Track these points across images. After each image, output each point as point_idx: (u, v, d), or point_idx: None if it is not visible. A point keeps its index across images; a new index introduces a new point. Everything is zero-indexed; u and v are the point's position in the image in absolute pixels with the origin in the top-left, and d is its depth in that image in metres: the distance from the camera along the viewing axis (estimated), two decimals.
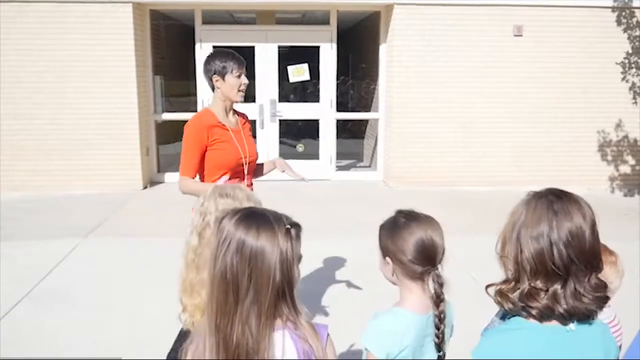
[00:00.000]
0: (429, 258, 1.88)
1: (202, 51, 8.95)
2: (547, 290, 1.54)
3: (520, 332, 1.57)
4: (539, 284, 1.55)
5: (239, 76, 3.38)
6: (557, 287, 1.54)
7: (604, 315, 2.10)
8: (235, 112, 3.59)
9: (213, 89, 3.44)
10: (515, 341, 1.57)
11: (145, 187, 8.62)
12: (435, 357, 1.91)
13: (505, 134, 8.68)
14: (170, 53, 11.13)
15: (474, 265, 5.01)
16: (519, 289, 1.58)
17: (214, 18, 9.76)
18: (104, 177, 8.34)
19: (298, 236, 1.50)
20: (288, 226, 1.47)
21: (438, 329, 1.86)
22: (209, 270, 1.48)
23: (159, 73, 9.37)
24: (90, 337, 3.99)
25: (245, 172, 3.48)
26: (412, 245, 1.87)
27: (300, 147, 9.92)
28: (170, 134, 10.61)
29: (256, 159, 3.61)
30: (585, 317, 1.55)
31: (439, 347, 1.88)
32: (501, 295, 1.61)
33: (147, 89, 8.88)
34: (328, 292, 4.66)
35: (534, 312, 1.55)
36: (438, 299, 1.86)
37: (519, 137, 8.70)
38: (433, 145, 8.64)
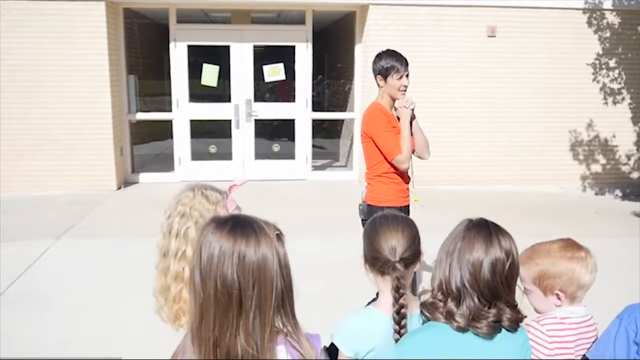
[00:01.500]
0: (390, 253, 1.89)
1: (177, 50, 8.89)
2: (445, 305, 1.73)
3: (428, 331, 1.76)
4: (440, 297, 1.75)
5: (400, 78, 3.69)
6: (452, 305, 1.72)
7: (579, 314, 2.13)
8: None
9: (378, 85, 3.80)
10: (424, 339, 1.75)
11: (119, 188, 8.53)
12: None
13: (478, 133, 8.77)
14: (144, 52, 11.03)
15: None
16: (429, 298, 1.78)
17: (188, 17, 9.69)
18: (77, 177, 8.23)
19: (283, 240, 1.48)
20: (278, 232, 1.45)
21: (399, 325, 1.85)
22: (198, 286, 1.40)
23: (133, 72, 9.27)
24: (64, 338, 3.94)
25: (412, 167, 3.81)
26: (373, 242, 1.92)
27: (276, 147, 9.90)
28: (144, 133, 10.54)
29: (414, 149, 3.82)
30: (485, 335, 1.70)
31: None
32: (422, 304, 1.81)
33: (121, 88, 8.79)
34: (304, 292, 4.66)
35: (440, 321, 1.74)
36: (397, 295, 1.86)
37: (492, 137, 8.80)
38: None
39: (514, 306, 1.73)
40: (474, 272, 1.68)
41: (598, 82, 8.84)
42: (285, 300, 1.43)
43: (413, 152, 3.79)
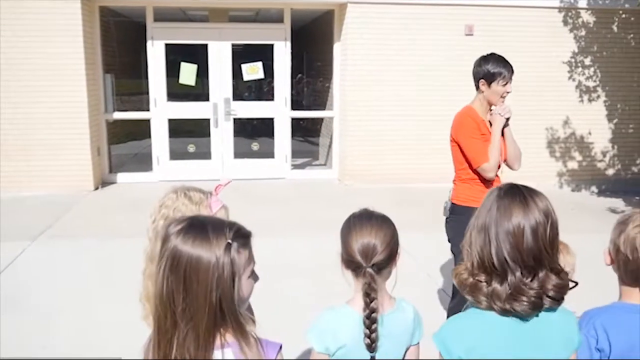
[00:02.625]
0: (361, 256, 1.88)
1: (154, 49, 8.81)
2: (489, 285, 1.61)
3: (470, 321, 1.66)
4: (482, 277, 1.62)
5: (505, 85, 3.56)
6: (497, 284, 1.59)
7: None
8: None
9: (477, 87, 3.66)
10: (466, 328, 1.65)
11: (96, 188, 8.44)
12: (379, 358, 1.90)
13: None
14: (121, 51, 10.91)
15: (427, 262, 5.07)
16: (470, 279, 1.65)
17: (165, 15, 9.61)
18: (54, 178, 8.12)
19: (245, 246, 1.42)
20: (229, 241, 1.37)
21: (369, 330, 1.84)
22: (154, 283, 1.40)
23: (109, 71, 9.17)
24: (40, 341, 3.89)
25: (501, 167, 3.70)
26: (346, 243, 1.91)
27: (256, 147, 9.85)
28: (122, 133, 10.44)
29: (505, 159, 3.73)
30: (524, 315, 1.59)
31: (369, 347, 1.86)
32: (461, 285, 1.68)
33: (98, 87, 8.69)
34: (284, 290, 4.66)
35: (482, 305, 1.62)
36: (368, 300, 1.84)
37: None
38: (387, 143, 8.72)
39: (558, 272, 1.62)
40: (515, 242, 1.57)
41: (574, 80, 8.95)
42: (226, 314, 1.36)
43: (504, 160, 3.72)
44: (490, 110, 3.67)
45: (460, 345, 1.62)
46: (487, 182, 3.64)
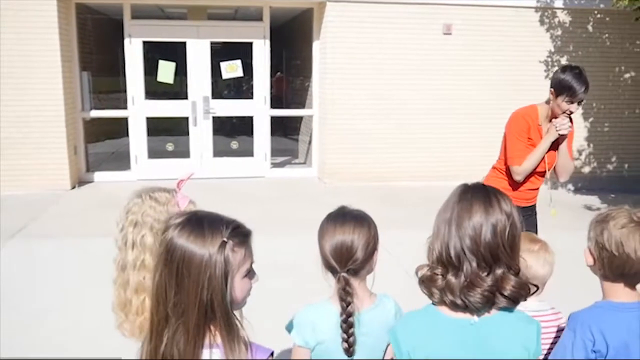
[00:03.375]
0: (335, 260, 1.88)
1: (132, 47, 8.73)
2: (445, 277, 1.61)
3: (421, 318, 1.66)
4: (439, 270, 1.63)
5: (570, 103, 3.41)
6: (452, 276, 1.59)
7: (531, 308, 2.16)
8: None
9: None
10: (415, 326, 1.65)
11: (73, 187, 8.34)
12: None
13: (437, 130, 8.88)
14: (98, 48, 10.79)
15: (407, 260, 5.09)
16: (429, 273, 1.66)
17: (143, 13, 9.52)
18: (30, 177, 8.00)
19: (242, 244, 1.40)
20: (224, 239, 1.36)
21: (345, 333, 1.84)
22: (152, 276, 1.42)
23: (86, 69, 9.06)
24: (17, 341, 3.84)
25: (544, 176, 3.75)
26: (321, 246, 1.91)
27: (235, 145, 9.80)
28: (99, 131, 10.32)
29: (552, 167, 3.72)
30: (476, 309, 1.58)
31: (347, 352, 1.85)
32: (419, 280, 1.69)
33: (74, 85, 8.58)
34: (262, 289, 4.64)
35: (435, 298, 1.62)
36: (344, 304, 1.84)
37: (451, 134, 8.92)
38: (367, 141, 8.74)
39: (516, 272, 1.61)
40: (475, 236, 1.57)
41: (550, 79, 9.03)
42: (216, 313, 1.34)
43: (553, 169, 3.72)
44: (552, 120, 3.58)
45: (408, 342, 1.62)
46: (514, 182, 3.69)
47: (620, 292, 1.93)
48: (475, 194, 1.64)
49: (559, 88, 3.44)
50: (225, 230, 1.37)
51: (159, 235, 1.85)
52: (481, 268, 1.57)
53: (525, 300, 1.64)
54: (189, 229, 1.36)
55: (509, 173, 3.70)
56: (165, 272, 1.35)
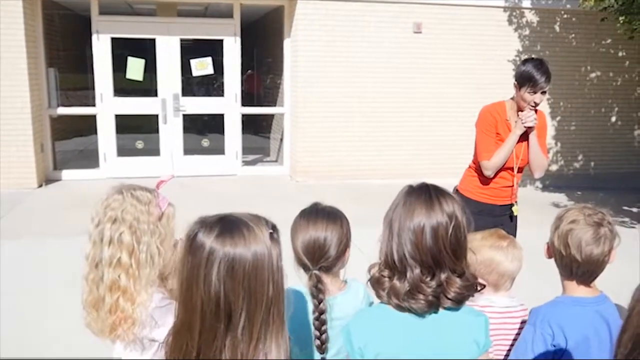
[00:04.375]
0: (307, 257, 1.88)
1: (100, 43, 8.60)
2: (391, 280, 1.60)
3: (371, 316, 1.66)
4: (386, 273, 1.62)
5: (533, 93, 3.43)
6: (396, 280, 1.58)
7: (500, 304, 2.19)
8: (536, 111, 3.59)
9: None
10: (366, 323, 1.64)
11: (40, 186, 8.18)
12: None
13: (408, 128, 8.93)
14: (65, 44, 10.60)
15: (377, 257, 5.11)
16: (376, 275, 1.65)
17: (111, 8, 9.37)
18: None
19: (276, 233, 1.36)
20: (271, 230, 1.32)
21: (318, 330, 1.83)
22: (183, 296, 1.29)
23: (53, 65, 8.90)
24: None
25: (515, 172, 3.67)
26: (293, 243, 1.91)
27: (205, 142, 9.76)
28: (67, 129, 10.15)
29: (527, 162, 3.66)
30: (421, 314, 1.58)
31: (319, 349, 1.85)
32: (368, 280, 1.68)
33: (40, 82, 8.42)
34: None
35: (382, 299, 1.62)
36: (316, 302, 1.83)
37: (420, 131, 8.98)
38: (338, 139, 8.76)
39: (462, 274, 1.59)
40: (415, 241, 1.55)
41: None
42: (273, 305, 1.29)
43: (526, 165, 3.69)
44: (518, 113, 3.60)
45: (360, 339, 1.61)
46: (485, 178, 3.68)
47: (575, 289, 1.96)
48: (418, 196, 1.60)
49: (521, 80, 3.49)
50: (264, 222, 1.34)
51: (137, 234, 1.82)
52: (424, 274, 1.55)
53: (473, 296, 1.64)
54: (238, 234, 1.28)
55: (480, 170, 3.72)
56: (229, 284, 1.25)
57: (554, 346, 1.87)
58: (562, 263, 1.96)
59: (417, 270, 1.55)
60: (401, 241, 1.57)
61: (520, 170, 3.72)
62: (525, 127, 3.53)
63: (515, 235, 3.52)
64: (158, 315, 1.83)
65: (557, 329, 1.88)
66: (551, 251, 2.02)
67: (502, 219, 3.73)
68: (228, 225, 1.29)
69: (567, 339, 1.86)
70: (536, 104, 3.50)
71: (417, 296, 1.54)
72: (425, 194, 1.60)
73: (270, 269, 1.28)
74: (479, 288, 1.65)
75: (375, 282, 1.63)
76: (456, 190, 3.82)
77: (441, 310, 1.59)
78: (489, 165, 3.60)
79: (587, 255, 1.89)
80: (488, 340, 1.67)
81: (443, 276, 1.56)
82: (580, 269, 1.92)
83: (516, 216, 3.82)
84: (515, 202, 3.81)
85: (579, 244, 1.89)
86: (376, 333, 1.61)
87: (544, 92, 3.47)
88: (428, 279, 1.55)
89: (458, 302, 1.59)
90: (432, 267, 1.55)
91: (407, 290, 1.55)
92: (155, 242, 1.86)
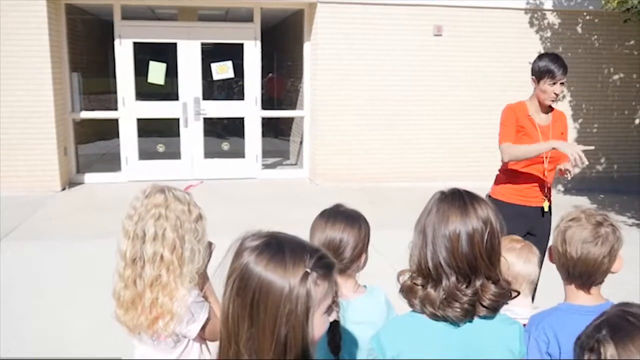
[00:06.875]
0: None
1: (122, 47, 8.70)
2: (425, 288, 1.57)
3: (404, 324, 1.63)
4: (419, 281, 1.59)
5: (553, 84, 3.54)
6: (431, 289, 1.56)
7: (521, 316, 2.16)
8: (551, 109, 3.75)
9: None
10: (400, 331, 1.62)
11: (64, 189, 8.30)
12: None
13: (427, 131, 8.91)
14: (88, 49, 10.75)
15: (396, 260, 5.10)
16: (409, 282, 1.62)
17: (133, 13, 9.50)
18: (19, 178, 7.96)
19: (325, 277, 1.21)
20: (308, 269, 1.18)
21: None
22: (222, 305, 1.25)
23: (76, 70, 9.03)
24: (6, 341, 3.82)
25: (545, 166, 3.67)
26: (312, 241, 1.89)
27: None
28: (90, 133, 10.28)
29: (558, 158, 3.68)
30: (456, 322, 1.56)
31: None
32: (400, 288, 1.65)
33: (64, 86, 8.55)
34: None
35: (415, 308, 1.60)
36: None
37: (440, 135, 8.95)
38: (358, 142, 8.76)
39: (497, 281, 1.56)
40: (451, 248, 1.52)
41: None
42: (293, 353, 1.15)
43: (559, 162, 3.70)
44: (550, 107, 3.71)
45: (394, 347, 1.59)
46: (516, 179, 3.68)
47: (575, 295, 1.91)
48: (451, 202, 1.58)
49: (539, 73, 3.60)
50: (308, 259, 1.19)
51: (179, 232, 1.86)
52: (460, 281, 1.54)
53: (507, 304, 1.63)
54: (269, 255, 1.19)
55: (509, 173, 3.72)
56: (238, 302, 1.18)
57: (549, 354, 1.83)
58: (560, 262, 1.92)
59: (453, 278, 1.53)
60: (436, 248, 1.54)
61: (551, 168, 3.72)
62: (564, 167, 3.61)
63: (549, 234, 3.55)
64: (195, 310, 1.88)
65: (552, 336, 1.83)
66: (552, 254, 1.99)
67: (535, 221, 3.71)
68: (265, 244, 1.22)
69: (560, 347, 1.81)
70: (556, 95, 3.59)
71: (453, 304, 1.53)
72: (459, 199, 1.58)
73: (286, 306, 1.15)
74: (513, 295, 1.63)
75: (408, 291, 1.60)
76: (488, 197, 3.80)
77: (476, 319, 1.58)
78: (508, 151, 3.60)
79: (583, 253, 1.84)
80: (523, 348, 1.66)
81: (478, 283, 1.54)
82: (576, 269, 1.87)
83: (547, 212, 3.77)
84: (548, 199, 3.77)
85: (575, 241, 1.85)
86: (410, 342, 1.59)
87: (562, 84, 3.56)
88: (464, 286, 1.53)
89: (493, 310, 1.57)
90: (468, 274, 1.53)
91: (442, 299, 1.53)
92: (194, 240, 1.91)
